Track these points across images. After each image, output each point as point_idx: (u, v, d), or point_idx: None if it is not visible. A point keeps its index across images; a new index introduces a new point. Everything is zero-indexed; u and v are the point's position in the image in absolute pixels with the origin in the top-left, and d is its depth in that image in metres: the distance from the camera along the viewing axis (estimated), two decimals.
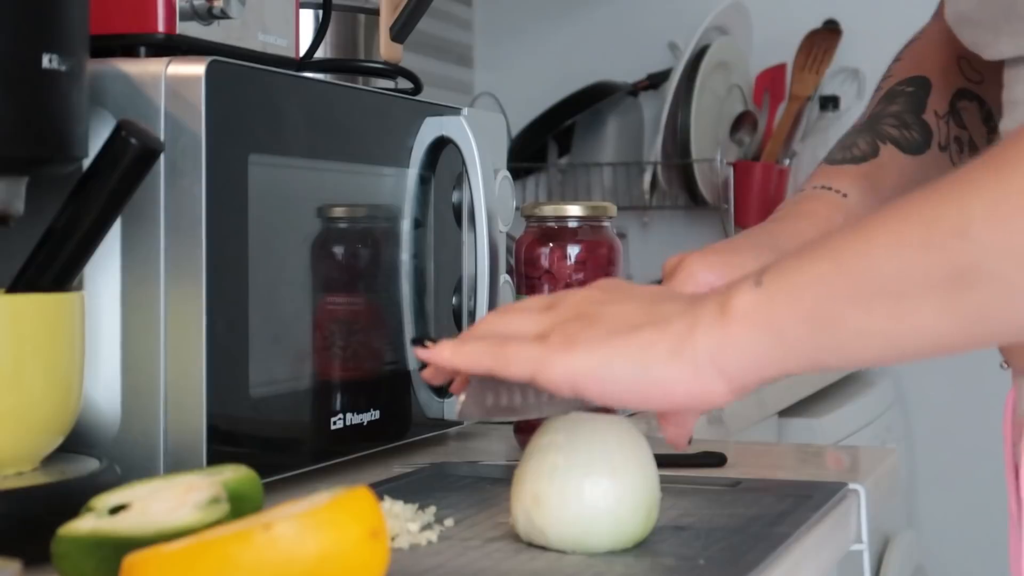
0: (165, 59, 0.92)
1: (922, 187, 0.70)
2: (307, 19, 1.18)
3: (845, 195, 1.03)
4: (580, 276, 1.15)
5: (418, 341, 0.77)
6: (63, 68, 0.82)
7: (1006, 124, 0.94)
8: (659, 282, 0.99)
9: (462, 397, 0.79)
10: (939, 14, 1.16)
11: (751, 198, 2.42)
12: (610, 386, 0.73)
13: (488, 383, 0.79)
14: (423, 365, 0.81)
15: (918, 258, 0.69)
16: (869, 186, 1.04)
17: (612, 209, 1.19)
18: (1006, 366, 0.96)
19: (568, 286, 1.18)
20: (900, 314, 0.69)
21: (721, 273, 0.96)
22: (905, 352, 0.72)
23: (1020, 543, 0.94)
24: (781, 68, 2.54)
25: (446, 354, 0.77)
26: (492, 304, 1.16)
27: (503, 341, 0.76)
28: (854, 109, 2.45)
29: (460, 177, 1.21)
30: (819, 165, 1.09)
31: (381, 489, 0.96)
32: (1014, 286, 0.67)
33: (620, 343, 0.74)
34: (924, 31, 1.15)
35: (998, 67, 1.04)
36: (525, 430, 1.12)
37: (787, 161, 2.46)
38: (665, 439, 0.83)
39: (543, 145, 2.61)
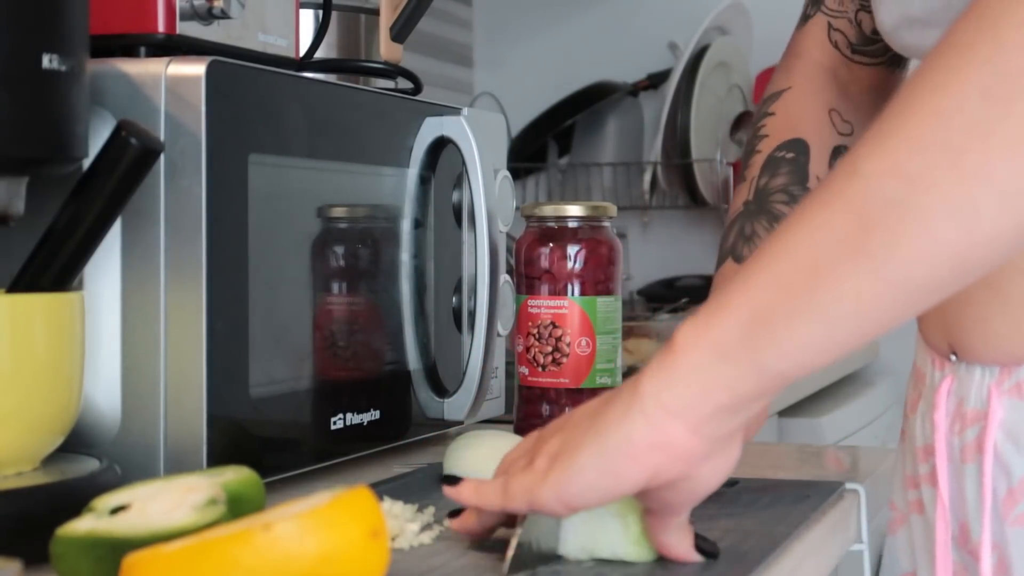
0: (165, 59, 0.92)
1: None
2: (307, 19, 1.18)
3: None
4: (580, 276, 1.16)
5: (449, 480, 0.78)
6: (63, 68, 0.82)
7: None
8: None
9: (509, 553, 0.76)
10: (797, 52, 1.16)
11: None
12: (584, 483, 0.71)
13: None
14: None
15: (821, 221, 0.67)
16: None
17: (612, 209, 1.19)
18: (955, 357, 0.96)
19: (568, 286, 1.19)
20: (823, 294, 0.67)
21: None
22: (846, 335, 0.68)
23: (947, 529, 0.95)
24: None
25: (467, 494, 0.77)
26: (492, 304, 1.16)
27: (506, 477, 0.76)
28: None
29: (460, 177, 1.20)
30: (726, 263, 1.09)
31: (381, 489, 0.96)
32: (908, 206, 0.65)
33: (584, 439, 0.72)
34: (791, 77, 1.14)
35: (869, 111, 1.05)
36: (527, 430, 1.12)
37: None
38: (669, 554, 0.78)
39: (543, 145, 2.61)
